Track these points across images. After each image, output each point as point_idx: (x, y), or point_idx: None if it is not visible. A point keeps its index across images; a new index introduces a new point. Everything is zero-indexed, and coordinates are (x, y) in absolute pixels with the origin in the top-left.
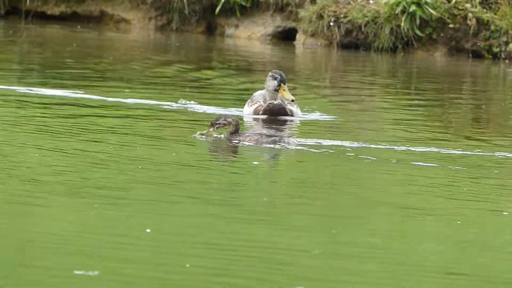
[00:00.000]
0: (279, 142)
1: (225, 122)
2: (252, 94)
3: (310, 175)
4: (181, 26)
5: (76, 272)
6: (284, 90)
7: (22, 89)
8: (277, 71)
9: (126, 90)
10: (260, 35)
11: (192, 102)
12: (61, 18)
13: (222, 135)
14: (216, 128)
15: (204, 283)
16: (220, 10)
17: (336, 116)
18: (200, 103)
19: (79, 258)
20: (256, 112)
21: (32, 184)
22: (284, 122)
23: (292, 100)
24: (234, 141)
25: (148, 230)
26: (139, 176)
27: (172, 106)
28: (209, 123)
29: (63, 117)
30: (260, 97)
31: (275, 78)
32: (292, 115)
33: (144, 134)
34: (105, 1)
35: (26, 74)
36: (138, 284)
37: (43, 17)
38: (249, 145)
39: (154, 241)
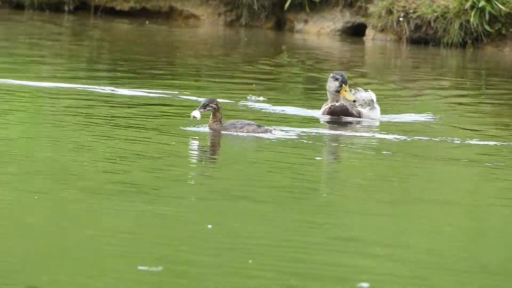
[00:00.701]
0: (269, 131)
1: (215, 106)
2: (322, 91)
3: (387, 171)
4: (250, 22)
5: (140, 267)
6: (345, 91)
7: (91, 87)
8: (339, 72)
9: (195, 87)
10: (329, 31)
11: (260, 98)
12: (130, 14)
13: (208, 126)
14: (207, 110)
15: (268, 280)
16: (289, 5)
17: (412, 115)
18: (268, 100)
19: (143, 254)
20: (324, 113)
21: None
22: (350, 123)
23: (354, 101)
24: (230, 131)
25: (209, 226)
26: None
27: (239, 102)
28: (201, 104)
29: (139, 116)
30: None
31: (336, 79)
32: (359, 117)
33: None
34: None
35: (95, 71)
36: (202, 280)
37: (112, 13)
38: (244, 135)
39: (216, 237)
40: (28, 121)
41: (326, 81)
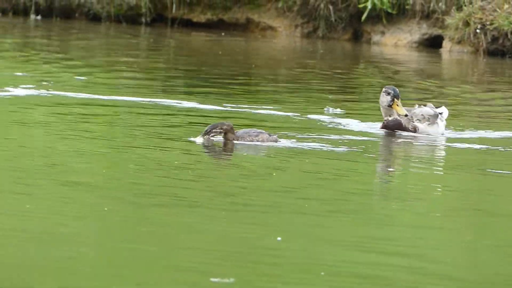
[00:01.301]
0: (277, 140)
1: (219, 131)
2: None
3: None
4: (327, 33)
5: (212, 279)
6: (397, 105)
7: (169, 101)
8: (390, 86)
9: (272, 100)
10: (406, 42)
11: (337, 110)
12: (207, 26)
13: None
14: (212, 136)
15: None
16: (366, 17)
17: (483, 132)
18: (346, 111)
19: (215, 265)
20: (381, 128)
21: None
22: (403, 138)
23: (406, 115)
24: (245, 140)
25: (278, 239)
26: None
27: (316, 114)
28: (204, 131)
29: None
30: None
31: (388, 94)
32: (415, 131)
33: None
34: (251, 9)
35: (171, 83)
36: None
37: (189, 25)
38: (258, 144)
39: (286, 248)
40: (105, 134)
41: (404, 92)
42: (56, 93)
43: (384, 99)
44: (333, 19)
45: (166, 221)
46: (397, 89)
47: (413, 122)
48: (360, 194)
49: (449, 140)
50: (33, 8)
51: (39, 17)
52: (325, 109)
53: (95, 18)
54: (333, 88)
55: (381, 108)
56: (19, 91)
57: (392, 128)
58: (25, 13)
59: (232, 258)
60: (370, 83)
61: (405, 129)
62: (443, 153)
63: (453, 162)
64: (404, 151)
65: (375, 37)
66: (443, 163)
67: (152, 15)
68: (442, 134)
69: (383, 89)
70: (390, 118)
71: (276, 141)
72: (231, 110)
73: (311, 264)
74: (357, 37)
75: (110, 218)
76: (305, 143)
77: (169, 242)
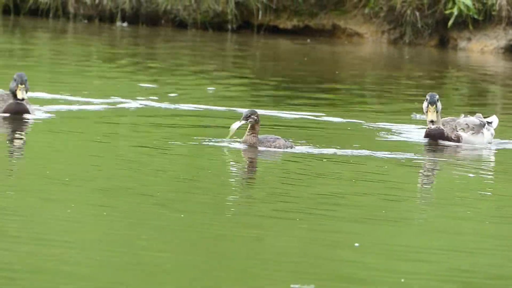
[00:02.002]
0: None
1: (256, 118)
2: (479, 107)
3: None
4: (414, 40)
5: (292, 286)
6: (429, 111)
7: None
8: (431, 93)
9: (359, 107)
10: (492, 48)
11: (423, 116)
12: (293, 32)
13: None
14: (249, 122)
15: None
16: (452, 23)
17: None
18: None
19: (295, 272)
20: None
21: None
22: (443, 147)
23: (431, 121)
24: (265, 146)
25: (356, 245)
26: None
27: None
28: (243, 115)
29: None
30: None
31: (425, 100)
32: (458, 141)
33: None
34: (337, 15)
35: (259, 93)
36: None
37: (275, 31)
38: (275, 150)
39: (361, 255)
40: (187, 146)
41: (490, 98)
42: (179, 106)
43: (423, 105)
44: (419, 25)
45: (239, 231)
46: (435, 96)
47: (457, 131)
48: (410, 201)
49: (494, 148)
50: (119, 15)
51: (125, 24)
52: (412, 115)
53: (181, 25)
54: (419, 94)
55: (424, 114)
56: (146, 102)
57: (435, 137)
58: (111, 20)
59: (310, 264)
60: (456, 89)
61: (447, 138)
62: (485, 160)
63: (496, 169)
64: (446, 158)
65: (461, 43)
66: (485, 170)
67: (239, 22)
68: (489, 143)
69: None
70: (433, 127)
71: (292, 147)
72: (312, 119)
73: (388, 270)
74: (443, 43)
75: (188, 230)
76: (348, 150)
77: (249, 250)
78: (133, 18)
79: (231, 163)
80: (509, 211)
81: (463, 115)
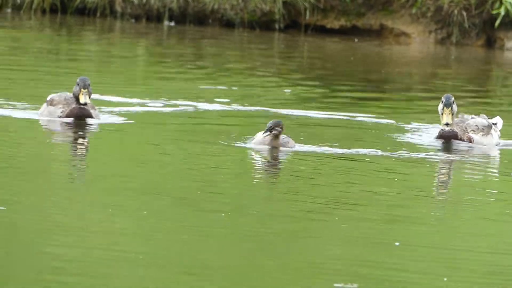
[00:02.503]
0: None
1: (280, 130)
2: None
3: None
4: (461, 40)
5: (336, 285)
6: (443, 113)
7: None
8: (447, 94)
9: (404, 107)
10: None
11: (472, 116)
12: (340, 32)
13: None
14: (272, 134)
15: None
16: (499, 23)
17: None
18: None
19: (337, 272)
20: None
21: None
22: (455, 148)
23: (446, 124)
24: (288, 147)
25: (397, 244)
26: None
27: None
28: (268, 127)
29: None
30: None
31: (441, 102)
32: (470, 142)
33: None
34: (385, 15)
35: (301, 91)
36: None
37: (322, 31)
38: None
39: (403, 253)
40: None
41: None
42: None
43: (439, 107)
44: (466, 25)
45: (284, 230)
46: (450, 98)
47: (468, 132)
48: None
49: (505, 149)
50: (166, 14)
51: (172, 23)
52: (459, 115)
53: (229, 24)
54: (465, 94)
55: (440, 116)
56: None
57: (448, 138)
58: (158, 19)
59: (354, 263)
60: (503, 89)
61: (460, 139)
62: (498, 161)
63: (507, 169)
64: (464, 158)
65: (508, 44)
66: (497, 171)
67: (286, 21)
68: (497, 144)
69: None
70: (446, 128)
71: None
72: (357, 120)
73: (431, 268)
74: (490, 43)
75: (230, 232)
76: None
77: (292, 250)
78: (181, 17)
79: (257, 164)
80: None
81: (470, 116)
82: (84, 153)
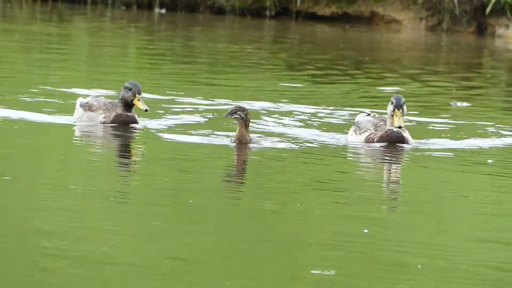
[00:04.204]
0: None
1: (243, 116)
2: None
3: None
4: (452, 27)
5: (312, 271)
6: (395, 115)
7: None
8: (397, 95)
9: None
10: None
11: (464, 104)
12: (331, 19)
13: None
14: (233, 117)
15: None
16: (490, 10)
17: None
18: (472, 105)
19: (315, 258)
20: (368, 140)
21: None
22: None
23: (399, 127)
24: (260, 144)
25: (365, 231)
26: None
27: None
28: (229, 111)
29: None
30: (369, 124)
31: (391, 103)
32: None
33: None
34: (376, 2)
35: (292, 78)
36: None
37: (313, 18)
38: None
39: (370, 240)
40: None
41: None
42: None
43: (389, 108)
44: (457, 12)
45: (276, 224)
46: (401, 99)
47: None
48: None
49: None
50: (157, 1)
51: (163, 11)
52: (452, 103)
53: (220, 11)
54: (458, 82)
55: (387, 117)
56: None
57: (395, 141)
58: (149, 6)
59: (329, 250)
60: (495, 76)
61: (403, 141)
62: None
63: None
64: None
65: (499, 30)
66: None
67: (277, 9)
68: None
69: (391, 98)
70: (394, 129)
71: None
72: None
73: (405, 257)
74: (481, 30)
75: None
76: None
77: (274, 238)
78: (172, 4)
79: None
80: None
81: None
82: (133, 161)
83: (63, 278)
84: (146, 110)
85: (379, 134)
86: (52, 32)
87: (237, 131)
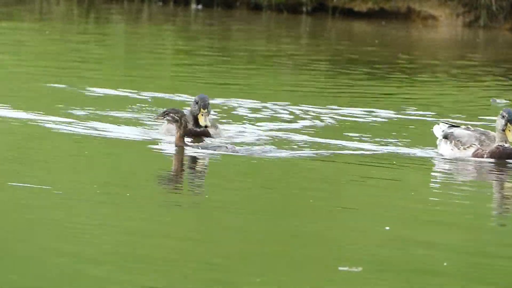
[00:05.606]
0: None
1: (176, 118)
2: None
3: None
4: (489, 23)
5: (340, 268)
6: (509, 130)
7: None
8: (507, 109)
9: (431, 94)
10: None
11: (503, 100)
12: (368, 15)
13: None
14: (165, 119)
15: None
16: None
17: None
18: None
19: (342, 255)
20: (477, 156)
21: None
22: None
23: None
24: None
25: (387, 228)
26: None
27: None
28: (161, 111)
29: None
30: (472, 139)
31: (503, 117)
32: None
33: None
34: None
35: (330, 72)
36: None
37: (350, 14)
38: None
39: (394, 239)
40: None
41: None
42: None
43: (499, 122)
44: (494, 8)
45: (294, 225)
46: None
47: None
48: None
49: None
50: None
51: (200, 7)
52: (491, 100)
53: (256, 7)
54: (497, 78)
55: (496, 132)
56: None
57: (507, 157)
58: (186, 2)
59: (357, 249)
60: None
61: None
62: None
63: None
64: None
65: None
66: None
67: (314, 4)
68: None
69: (501, 112)
70: (506, 145)
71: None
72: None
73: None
74: None
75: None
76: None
77: (298, 239)
78: (208, 0)
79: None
80: None
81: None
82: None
83: None
84: (206, 127)
85: (488, 149)
86: (89, 29)
87: (176, 134)
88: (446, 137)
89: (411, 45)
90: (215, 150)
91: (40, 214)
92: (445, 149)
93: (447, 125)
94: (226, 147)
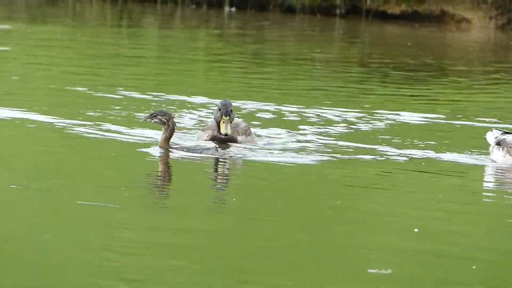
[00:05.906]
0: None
1: (164, 120)
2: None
3: None
4: None
5: (370, 270)
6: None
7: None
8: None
9: (463, 97)
10: None
11: None
12: (401, 17)
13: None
14: (152, 121)
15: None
16: None
17: None
18: None
19: (370, 257)
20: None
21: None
22: None
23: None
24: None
25: (416, 230)
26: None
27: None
28: (150, 113)
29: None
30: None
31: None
32: None
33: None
34: (446, 1)
35: (361, 75)
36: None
37: (383, 16)
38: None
39: (423, 240)
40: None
41: None
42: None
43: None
44: None
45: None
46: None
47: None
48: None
49: None
50: (227, 0)
51: (233, 9)
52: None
53: (289, 9)
54: None
55: None
56: None
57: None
58: (219, 5)
59: (386, 251)
60: None
61: None
62: None
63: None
64: None
65: None
66: None
67: (347, 7)
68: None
69: None
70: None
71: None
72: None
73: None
74: None
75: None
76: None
77: (326, 241)
78: (241, 3)
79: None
80: None
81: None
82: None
83: None
84: (226, 135)
85: None
86: (122, 32)
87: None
88: (499, 143)
89: (444, 48)
90: (201, 153)
91: (37, 218)
92: (498, 155)
93: (500, 132)
94: (216, 150)
